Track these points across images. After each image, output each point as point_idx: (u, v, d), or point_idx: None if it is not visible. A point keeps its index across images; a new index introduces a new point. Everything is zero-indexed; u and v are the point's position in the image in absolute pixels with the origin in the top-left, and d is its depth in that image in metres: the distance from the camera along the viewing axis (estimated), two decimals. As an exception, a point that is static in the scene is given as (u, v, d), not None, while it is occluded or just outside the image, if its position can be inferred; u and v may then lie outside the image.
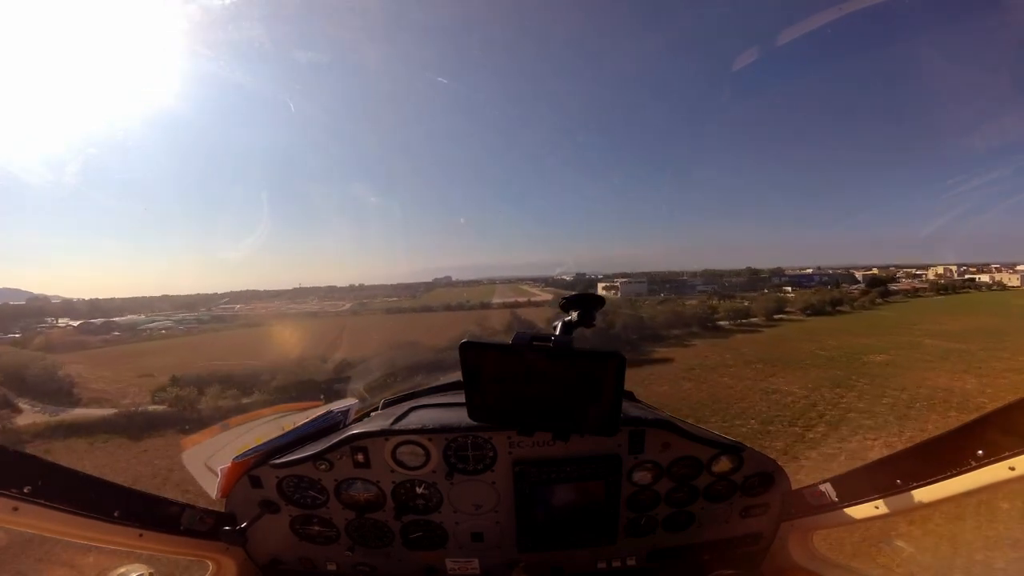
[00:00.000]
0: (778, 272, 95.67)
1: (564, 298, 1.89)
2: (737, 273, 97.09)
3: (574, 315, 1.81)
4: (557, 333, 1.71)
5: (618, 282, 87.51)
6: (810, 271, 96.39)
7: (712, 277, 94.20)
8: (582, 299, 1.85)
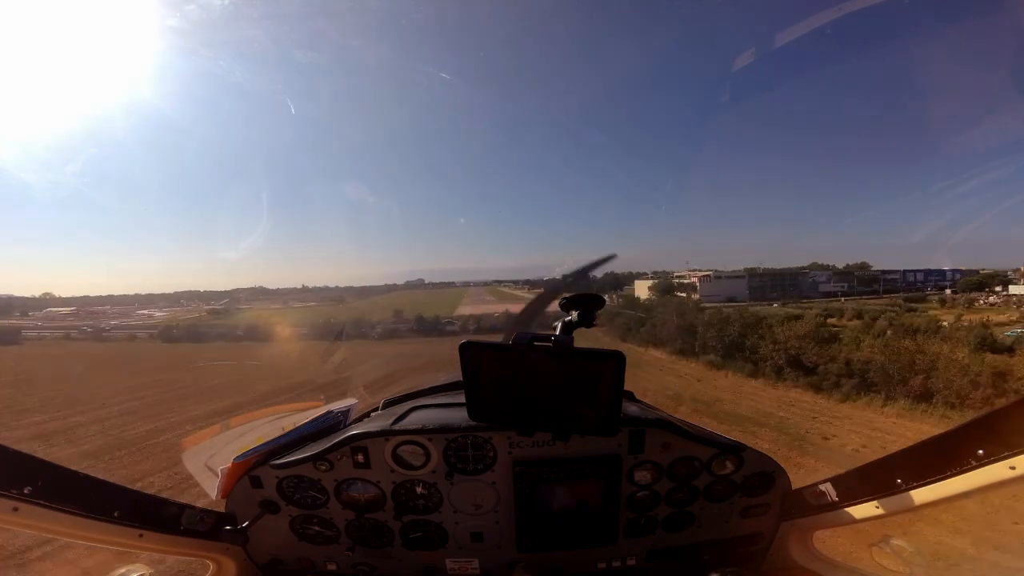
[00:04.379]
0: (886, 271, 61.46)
1: (564, 298, 1.89)
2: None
3: (574, 315, 1.82)
4: (557, 333, 1.72)
5: (694, 279, 57.02)
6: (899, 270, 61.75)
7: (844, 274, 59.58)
8: (582, 299, 1.86)
